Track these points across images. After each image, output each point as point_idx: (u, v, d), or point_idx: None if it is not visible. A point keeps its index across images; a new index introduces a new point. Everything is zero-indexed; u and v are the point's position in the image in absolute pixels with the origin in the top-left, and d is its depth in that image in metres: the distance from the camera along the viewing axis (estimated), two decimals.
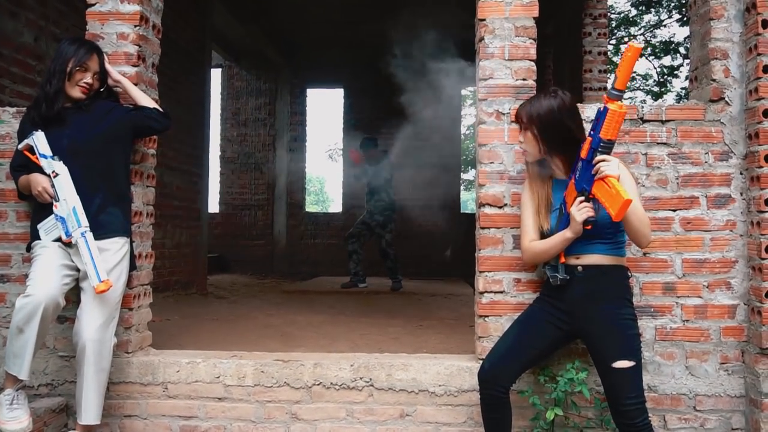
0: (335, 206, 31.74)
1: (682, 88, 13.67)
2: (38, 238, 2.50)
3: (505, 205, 2.60)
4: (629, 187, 2.12)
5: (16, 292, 2.34)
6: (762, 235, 2.48)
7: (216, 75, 9.70)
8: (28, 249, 2.55)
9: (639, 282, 2.58)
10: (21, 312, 2.28)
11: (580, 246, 2.21)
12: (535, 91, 2.57)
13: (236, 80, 10.08)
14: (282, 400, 2.63)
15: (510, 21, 2.62)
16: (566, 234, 2.19)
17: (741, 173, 2.61)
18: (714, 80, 2.64)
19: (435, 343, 3.52)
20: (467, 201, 20.61)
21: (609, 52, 6.06)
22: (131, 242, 2.63)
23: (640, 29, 13.95)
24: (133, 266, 2.64)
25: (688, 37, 11.43)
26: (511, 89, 2.61)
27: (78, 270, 2.47)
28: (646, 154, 2.62)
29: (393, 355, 2.81)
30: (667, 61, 13.91)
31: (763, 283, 2.46)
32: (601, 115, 2.07)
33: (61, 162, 2.44)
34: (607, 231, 2.20)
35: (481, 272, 2.61)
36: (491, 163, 2.61)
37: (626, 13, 13.80)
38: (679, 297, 2.58)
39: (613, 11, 13.11)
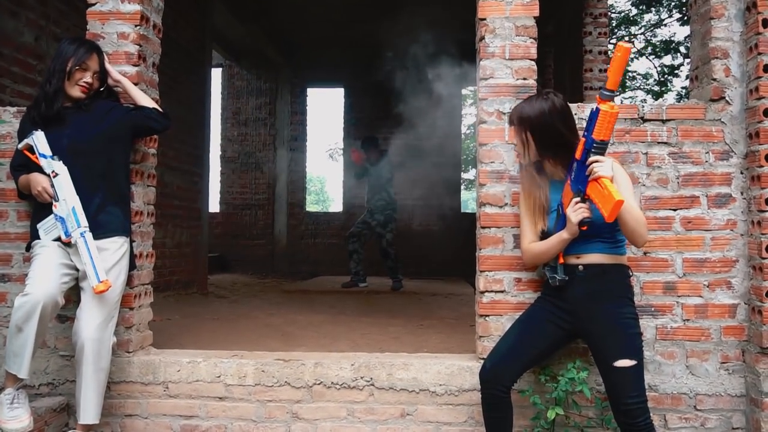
0: (336, 206, 31.77)
1: (682, 88, 13.66)
2: (38, 237, 2.50)
3: (506, 204, 2.60)
4: (624, 188, 2.13)
5: (17, 292, 2.34)
6: (762, 234, 2.48)
7: (216, 74, 9.70)
8: (28, 248, 2.55)
9: (640, 281, 2.58)
10: (19, 311, 2.29)
11: (580, 245, 2.22)
12: (535, 91, 2.57)
13: (237, 80, 10.08)
14: (283, 400, 2.63)
15: (510, 20, 2.62)
16: (563, 235, 2.19)
17: (741, 172, 2.61)
18: (714, 79, 2.64)
19: (436, 342, 3.52)
20: (468, 200, 20.60)
21: (609, 52, 6.04)
22: (131, 242, 2.63)
23: (640, 28, 13.94)
24: (133, 266, 2.64)
25: (688, 36, 11.43)
26: (512, 89, 2.61)
27: (78, 269, 2.47)
28: (646, 153, 2.62)
29: (394, 355, 2.81)
30: (667, 60, 13.90)
31: (764, 283, 2.46)
32: (593, 115, 2.07)
33: (61, 162, 2.44)
34: (605, 230, 2.20)
35: (481, 272, 2.61)
36: (492, 162, 2.61)
37: (627, 12, 13.79)
38: (679, 296, 2.58)
39: (613, 10, 13.10)
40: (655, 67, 14.15)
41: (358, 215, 7.46)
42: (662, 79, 13.97)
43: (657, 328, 2.57)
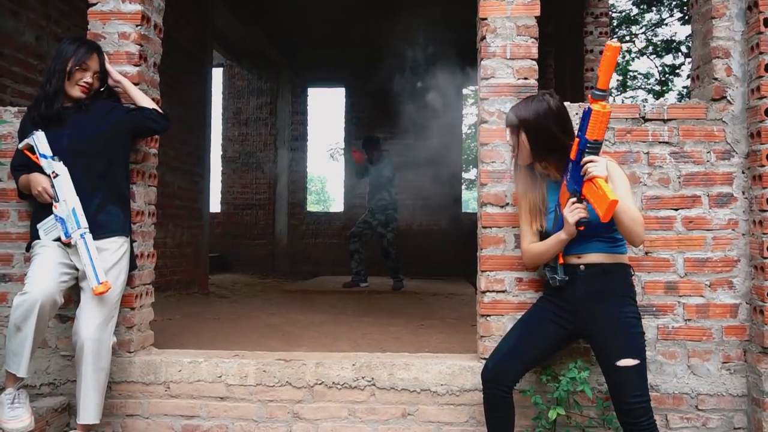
0: (336, 206, 31.79)
1: (683, 87, 13.63)
2: (38, 237, 2.50)
3: (507, 204, 2.60)
4: (620, 187, 2.12)
5: (17, 292, 2.34)
6: (764, 234, 2.47)
7: (217, 74, 9.70)
8: (28, 248, 2.55)
9: (641, 281, 2.57)
10: (18, 310, 2.29)
11: (580, 245, 2.21)
12: (536, 90, 2.57)
13: (237, 80, 10.09)
14: (284, 400, 2.63)
15: (511, 20, 2.62)
16: (561, 236, 2.19)
17: (743, 172, 2.61)
18: (716, 79, 2.63)
19: (437, 342, 3.52)
20: (469, 200, 20.60)
21: None
22: (131, 242, 2.63)
23: (641, 28, 13.93)
24: (134, 266, 2.64)
25: (689, 35, 11.42)
26: (513, 88, 2.61)
27: (77, 269, 2.47)
28: (648, 153, 2.61)
29: (395, 355, 2.81)
30: (668, 59, 13.88)
31: (765, 282, 2.46)
32: (585, 116, 2.06)
33: (61, 162, 2.44)
34: (602, 230, 2.19)
35: (483, 271, 2.61)
36: (493, 162, 2.61)
37: (627, 11, 13.78)
38: (681, 296, 2.58)
39: (614, 10, 13.10)
40: (656, 67, 14.13)
41: (359, 215, 7.46)
42: (663, 78, 13.96)
43: (658, 327, 2.57)
